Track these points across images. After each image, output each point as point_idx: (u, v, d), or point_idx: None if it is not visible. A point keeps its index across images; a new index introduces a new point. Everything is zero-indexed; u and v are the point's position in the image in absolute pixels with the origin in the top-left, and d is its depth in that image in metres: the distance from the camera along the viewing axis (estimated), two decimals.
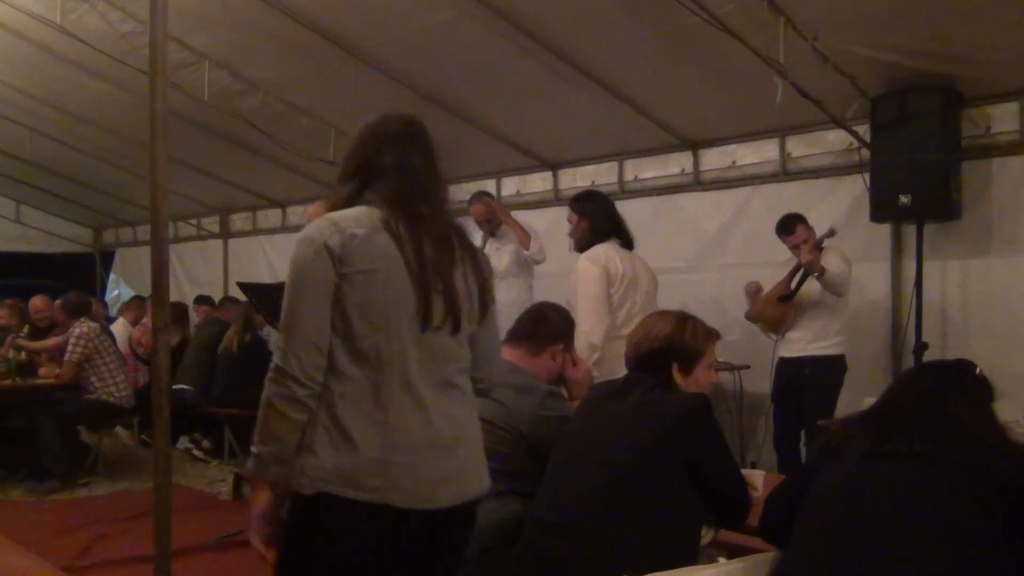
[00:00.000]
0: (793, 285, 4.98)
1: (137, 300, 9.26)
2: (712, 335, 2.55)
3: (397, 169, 2.01)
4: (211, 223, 10.46)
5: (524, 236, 5.77)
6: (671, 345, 2.45)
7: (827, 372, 4.88)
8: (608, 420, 2.35)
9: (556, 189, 6.97)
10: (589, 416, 2.46)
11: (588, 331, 3.86)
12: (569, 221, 5.71)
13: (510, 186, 7.31)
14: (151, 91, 2.26)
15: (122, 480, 6.58)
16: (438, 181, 2.07)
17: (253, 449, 1.88)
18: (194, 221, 10.51)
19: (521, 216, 7.11)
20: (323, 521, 1.85)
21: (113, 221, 11.76)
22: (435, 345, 1.94)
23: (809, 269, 4.76)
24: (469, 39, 5.24)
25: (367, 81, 5.98)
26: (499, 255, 5.82)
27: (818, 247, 4.78)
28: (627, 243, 4.33)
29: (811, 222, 5.27)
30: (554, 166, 6.94)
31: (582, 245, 4.28)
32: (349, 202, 2.00)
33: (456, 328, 1.96)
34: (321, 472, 1.83)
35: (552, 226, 6.96)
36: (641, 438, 2.24)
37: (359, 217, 1.92)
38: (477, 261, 2.06)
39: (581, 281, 4.07)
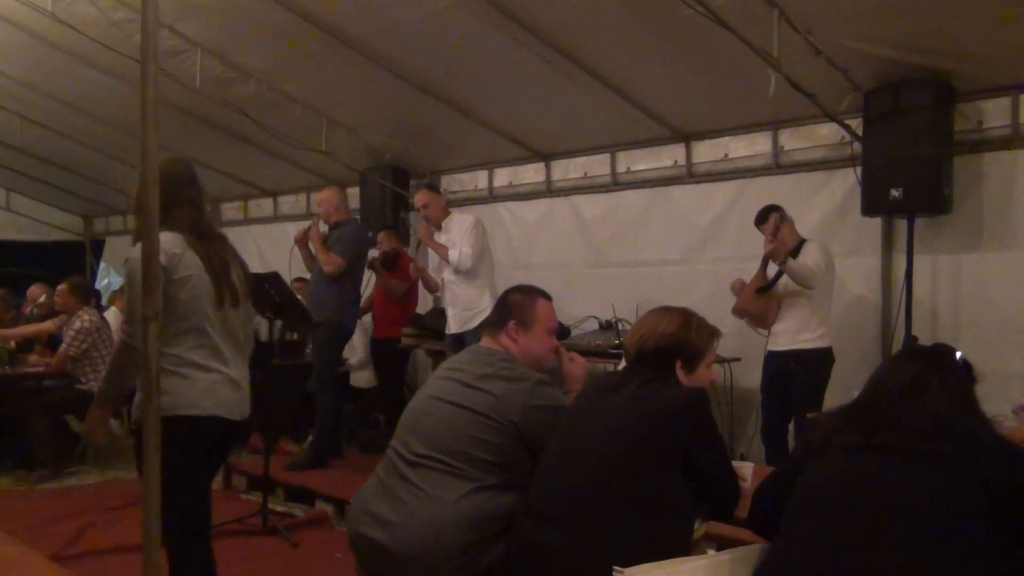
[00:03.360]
0: (770, 276, 4.98)
1: None
2: (715, 334, 2.54)
3: (189, 205, 3.02)
4: None
5: (443, 251, 5.79)
6: (677, 343, 2.44)
7: (813, 365, 4.87)
8: (604, 411, 2.35)
9: (548, 180, 6.95)
10: (585, 407, 2.46)
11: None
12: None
13: (502, 177, 7.29)
14: (142, 79, 2.24)
15: (111, 469, 6.57)
16: (205, 208, 3.16)
17: (101, 386, 3.10)
18: None
19: (513, 207, 7.15)
20: (179, 432, 2.77)
21: (104, 209, 11.71)
22: (229, 319, 3.05)
23: (771, 258, 4.76)
24: (463, 29, 5.22)
25: (360, 70, 5.97)
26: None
27: (774, 234, 4.77)
28: None
29: (802, 215, 5.28)
30: (547, 157, 6.93)
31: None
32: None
33: (236, 304, 3.08)
34: (173, 402, 2.83)
35: (544, 217, 6.99)
36: (637, 430, 2.24)
37: (175, 241, 2.93)
38: (241, 262, 3.20)
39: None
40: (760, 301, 5.04)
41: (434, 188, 6.32)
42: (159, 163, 2.84)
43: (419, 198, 6.04)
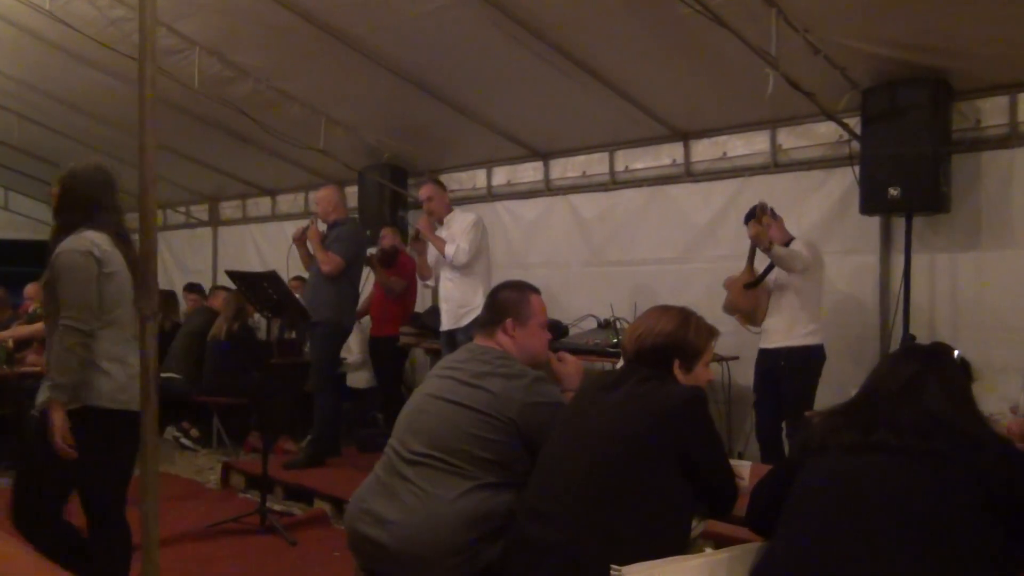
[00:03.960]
0: (758, 271, 4.97)
1: None
2: (713, 333, 2.54)
3: (112, 209, 3.25)
4: (200, 211, 10.41)
5: (440, 244, 5.82)
6: (675, 342, 2.43)
7: (803, 363, 4.85)
8: (601, 410, 2.35)
9: (547, 179, 6.95)
10: (583, 406, 2.46)
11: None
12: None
13: (501, 176, 7.29)
14: (140, 77, 2.24)
15: None
16: (123, 212, 3.32)
17: (55, 381, 3.02)
18: (183, 209, 10.45)
19: (512, 206, 7.14)
20: (97, 423, 3.07)
21: None
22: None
23: (756, 243, 4.74)
24: (461, 27, 5.22)
25: (358, 69, 5.97)
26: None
27: (758, 221, 4.74)
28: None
29: (801, 214, 5.29)
30: (545, 156, 6.93)
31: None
32: (72, 226, 3.16)
33: None
34: (95, 395, 3.07)
35: (543, 216, 6.99)
36: (635, 428, 2.24)
37: (102, 239, 3.15)
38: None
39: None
40: (749, 297, 5.02)
41: (440, 183, 6.35)
42: (82, 168, 3.29)
43: (424, 190, 6.07)
